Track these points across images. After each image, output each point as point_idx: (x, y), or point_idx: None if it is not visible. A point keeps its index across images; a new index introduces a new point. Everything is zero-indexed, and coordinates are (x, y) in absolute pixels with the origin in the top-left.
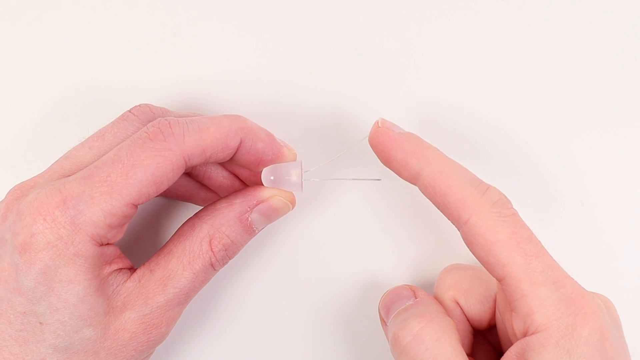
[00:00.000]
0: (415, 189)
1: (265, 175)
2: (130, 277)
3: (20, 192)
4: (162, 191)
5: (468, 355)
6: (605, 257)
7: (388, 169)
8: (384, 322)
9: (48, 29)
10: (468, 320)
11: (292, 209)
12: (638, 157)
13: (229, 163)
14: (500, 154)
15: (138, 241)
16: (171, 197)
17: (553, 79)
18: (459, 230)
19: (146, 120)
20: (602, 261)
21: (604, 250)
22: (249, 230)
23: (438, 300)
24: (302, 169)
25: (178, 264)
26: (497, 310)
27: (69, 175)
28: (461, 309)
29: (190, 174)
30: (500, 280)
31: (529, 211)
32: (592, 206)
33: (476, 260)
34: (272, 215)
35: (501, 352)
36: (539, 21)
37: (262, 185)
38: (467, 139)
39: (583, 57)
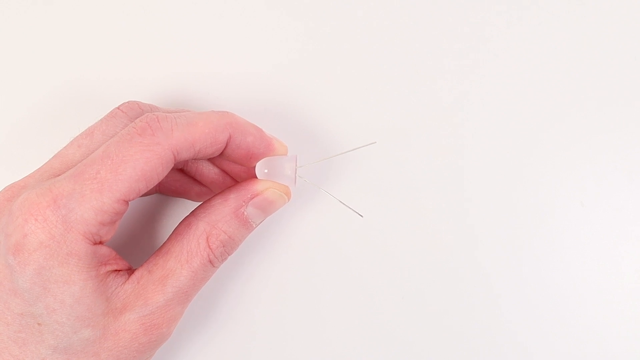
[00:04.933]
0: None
1: (259, 168)
2: (128, 278)
3: (11, 193)
4: (152, 186)
5: None
6: (604, 258)
7: None
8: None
9: (37, 26)
10: None
11: (288, 201)
12: (638, 157)
13: (220, 160)
14: (501, 154)
15: (136, 242)
16: (166, 192)
17: (553, 80)
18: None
19: (134, 116)
20: (602, 261)
21: (603, 251)
22: (246, 225)
23: None
24: (296, 163)
25: (176, 263)
26: None
27: (59, 175)
28: None
29: (183, 169)
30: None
31: (529, 211)
32: (592, 206)
33: None
34: (267, 208)
35: None
36: (537, 21)
37: (256, 179)
38: (466, 139)
39: (583, 57)
